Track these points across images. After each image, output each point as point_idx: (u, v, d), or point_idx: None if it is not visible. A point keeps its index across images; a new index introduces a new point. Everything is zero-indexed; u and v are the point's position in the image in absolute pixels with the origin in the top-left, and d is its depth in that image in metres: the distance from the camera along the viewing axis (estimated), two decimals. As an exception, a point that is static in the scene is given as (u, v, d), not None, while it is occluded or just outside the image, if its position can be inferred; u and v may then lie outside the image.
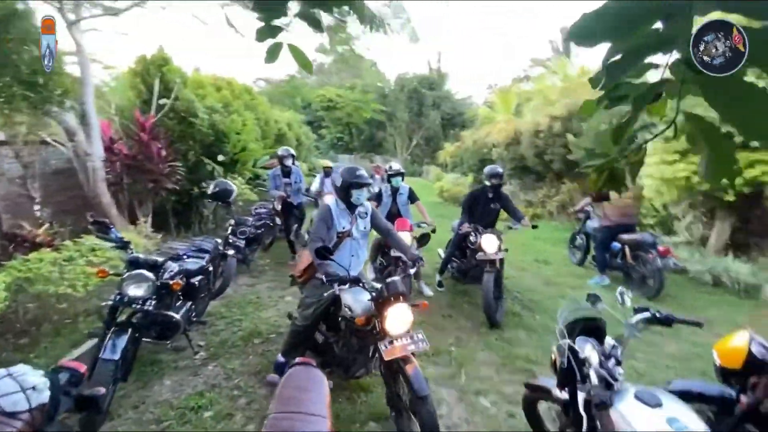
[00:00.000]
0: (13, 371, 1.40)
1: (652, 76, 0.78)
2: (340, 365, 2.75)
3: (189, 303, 3.22)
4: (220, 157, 7.18)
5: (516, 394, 2.83)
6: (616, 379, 1.57)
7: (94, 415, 2.09)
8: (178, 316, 2.90)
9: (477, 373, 3.21)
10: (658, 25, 0.60)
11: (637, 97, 0.68)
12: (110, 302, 2.60)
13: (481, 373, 3.23)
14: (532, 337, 3.89)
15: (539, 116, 11.02)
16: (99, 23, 6.03)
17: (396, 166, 5.12)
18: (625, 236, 5.29)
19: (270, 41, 1.02)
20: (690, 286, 5.62)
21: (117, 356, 2.39)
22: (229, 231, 4.79)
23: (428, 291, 4.95)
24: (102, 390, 1.81)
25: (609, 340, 1.77)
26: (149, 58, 6.76)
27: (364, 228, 2.96)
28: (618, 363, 1.65)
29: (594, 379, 1.58)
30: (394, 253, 4.31)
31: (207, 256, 3.59)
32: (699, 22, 0.59)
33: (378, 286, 2.48)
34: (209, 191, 4.98)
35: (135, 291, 2.62)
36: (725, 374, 1.98)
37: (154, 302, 2.70)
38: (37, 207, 5.31)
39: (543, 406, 2.26)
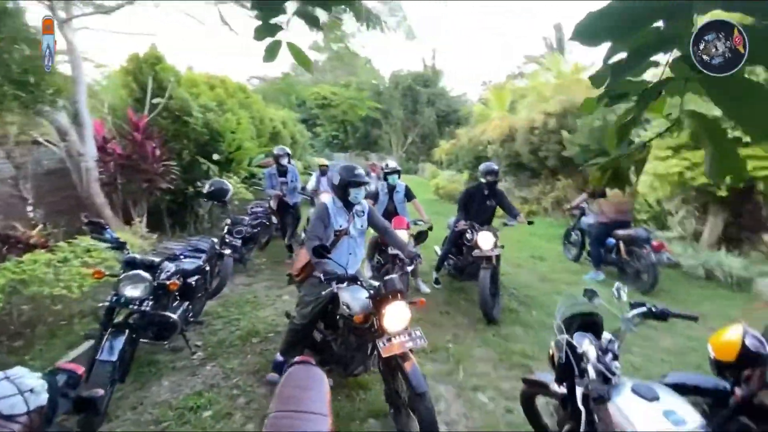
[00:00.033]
0: (10, 374, 1.39)
1: (646, 74, 0.79)
2: (339, 363, 2.75)
3: (186, 303, 3.21)
4: (215, 156, 7.14)
5: (513, 389, 2.86)
6: (613, 374, 1.59)
7: (93, 417, 2.08)
8: (175, 317, 2.89)
9: (474, 369, 3.23)
10: (661, 24, 0.61)
11: (641, 95, 0.68)
12: (107, 303, 2.59)
13: (478, 369, 3.25)
14: (528, 332, 3.92)
15: (534, 113, 11.06)
16: (90, 21, 5.94)
17: (392, 164, 5.12)
18: (620, 232, 5.34)
19: (268, 40, 1.02)
20: (683, 280, 5.69)
21: (114, 357, 2.38)
22: (225, 230, 4.77)
23: (425, 288, 4.96)
24: (100, 391, 1.81)
25: (606, 335, 1.79)
26: (142, 57, 6.69)
27: (361, 226, 2.97)
28: (615, 357, 1.67)
29: (592, 373, 1.59)
30: (391, 250, 4.32)
31: (203, 255, 3.58)
32: (700, 21, 0.60)
33: (376, 284, 2.49)
34: (205, 190, 4.95)
35: (132, 292, 2.61)
36: (720, 367, 2.01)
37: (151, 303, 2.68)
38: (30, 208, 5.25)
39: (540, 401, 2.28)
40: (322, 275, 2.54)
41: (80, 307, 3.63)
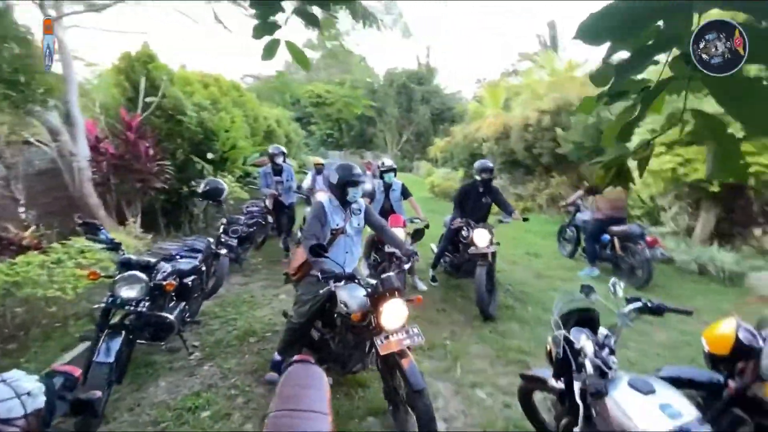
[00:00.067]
0: (6, 377, 1.38)
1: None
2: (337, 361, 2.76)
3: (183, 303, 3.19)
4: (210, 155, 7.09)
5: (510, 385, 2.88)
6: (610, 368, 1.61)
7: (90, 419, 2.07)
8: (172, 317, 2.87)
9: (472, 366, 3.25)
10: (663, 23, 0.61)
11: (645, 94, 0.69)
12: (102, 305, 2.57)
13: (475, 365, 3.27)
14: (524, 329, 3.94)
15: (528, 110, 11.10)
16: (81, 20, 5.86)
17: (388, 162, 5.12)
18: (615, 228, 5.40)
19: (266, 38, 1.01)
20: (677, 275, 5.75)
21: (111, 359, 2.37)
22: (221, 230, 4.75)
23: (422, 286, 4.98)
24: (98, 393, 1.79)
25: (602, 330, 1.81)
26: (134, 55, 6.62)
27: (358, 225, 2.97)
28: (612, 352, 1.69)
29: (589, 368, 1.61)
30: (387, 249, 4.32)
31: (199, 255, 3.56)
32: (700, 20, 0.60)
33: (373, 282, 2.49)
34: (200, 190, 4.92)
35: (128, 293, 2.59)
36: (714, 360, 2.04)
37: (147, 303, 2.67)
38: (22, 209, 5.19)
39: (538, 396, 2.30)
40: (319, 274, 2.54)
41: (75, 308, 3.60)
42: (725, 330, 1.99)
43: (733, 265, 5.50)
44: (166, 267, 3.01)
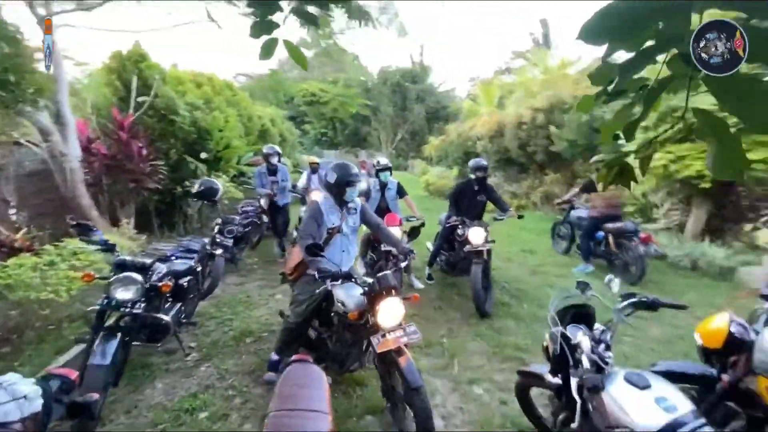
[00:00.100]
0: (2, 380, 1.36)
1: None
2: (335, 360, 2.76)
3: (179, 304, 3.18)
4: (203, 155, 7.04)
5: (507, 381, 2.90)
6: (606, 363, 1.63)
7: (87, 422, 2.05)
8: (168, 318, 2.86)
9: (469, 363, 3.27)
10: (665, 22, 0.61)
11: (649, 93, 0.69)
12: (98, 307, 2.54)
13: (473, 362, 3.29)
14: (520, 325, 3.97)
15: (522, 108, 11.16)
16: (70, 18, 5.77)
17: (384, 161, 5.12)
18: (610, 225, 5.45)
19: (264, 37, 1.01)
20: (669, 271, 5.83)
21: (107, 361, 2.35)
22: (216, 230, 4.72)
23: (418, 284, 5.00)
24: (95, 396, 1.78)
25: (598, 326, 1.83)
26: (125, 54, 6.55)
27: (354, 224, 2.97)
28: (608, 347, 1.71)
29: (586, 363, 1.63)
30: (384, 247, 4.33)
31: (195, 256, 3.54)
32: (700, 20, 0.61)
33: (370, 280, 2.50)
34: (194, 190, 4.89)
35: (123, 294, 2.57)
36: (707, 354, 2.07)
37: (143, 305, 2.65)
38: (12, 211, 5.11)
39: (535, 392, 2.33)
40: (316, 273, 2.54)
41: (69, 311, 3.56)
42: (718, 324, 2.02)
43: (724, 260, 5.59)
44: (162, 268, 2.99)
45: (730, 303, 3.84)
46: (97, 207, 5.62)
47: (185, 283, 3.26)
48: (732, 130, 0.67)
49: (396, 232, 4.20)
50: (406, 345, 2.33)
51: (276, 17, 0.97)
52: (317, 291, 2.70)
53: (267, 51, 1.03)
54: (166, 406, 2.64)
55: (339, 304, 2.59)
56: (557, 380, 1.83)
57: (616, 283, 1.91)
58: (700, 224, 6.52)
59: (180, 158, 6.73)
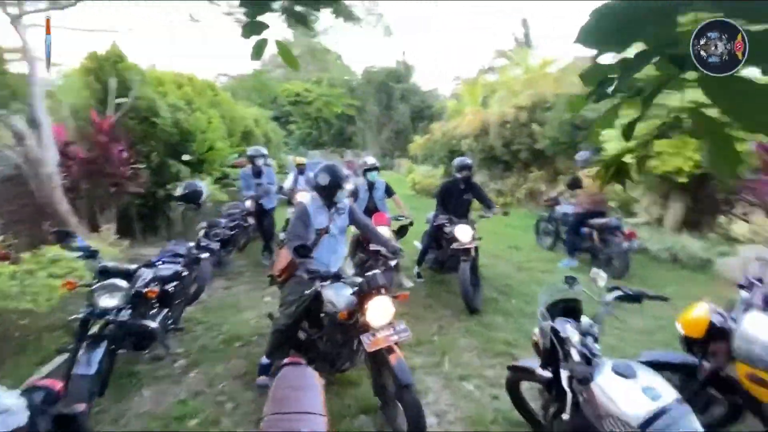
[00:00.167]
0: (-16, 394, 1.32)
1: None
2: (325, 360, 2.75)
3: (165, 310, 3.11)
4: (186, 157, 6.92)
5: (498, 376, 2.94)
6: (594, 355, 1.67)
7: (73, 434, 2.00)
8: (154, 325, 2.79)
9: (460, 360, 3.30)
10: (663, 24, 0.62)
11: (648, 93, 0.71)
12: (81, 315, 2.47)
13: (463, 359, 3.32)
14: (509, 321, 4.03)
15: (505, 107, 11.30)
16: (42, 18, 5.58)
17: (371, 160, 5.13)
18: (594, 221, 5.58)
19: (254, 38, 1.00)
20: (650, 263, 5.99)
21: (92, 371, 2.28)
22: (201, 233, 4.64)
23: (408, 283, 5.01)
24: (81, 407, 1.74)
25: (585, 319, 1.87)
26: (103, 55, 6.38)
27: (342, 224, 2.97)
28: (595, 340, 1.76)
29: (575, 356, 1.67)
30: (373, 247, 4.33)
31: (181, 260, 3.48)
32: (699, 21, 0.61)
33: (359, 280, 2.51)
34: (178, 193, 4.80)
35: (107, 301, 2.50)
36: (689, 343, 2.15)
37: (128, 312, 2.59)
38: (-15, 218, 4.93)
39: (525, 386, 2.37)
40: (305, 274, 2.53)
41: (49, 320, 3.45)
42: (699, 314, 2.09)
43: (701, 251, 5.79)
44: (147, 273, 2.92)
45: (709, 293, 3.98)
46: (76, 212, 5.46)
47: (171, 289, 3.20)
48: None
49: (384, 231, 4.21)
50: (396, 343, 2.34)
51: (266, 17, 0.96)
52: (306, 292, 2.69)
53: (258, 52, 1.03)
54: (155, 414, 2.59)
55: (329, 305, 2.59)
56: (547, 373, 1.87)
57: (602, 277, 1.96)
58: (677, 218, 6.74)
59: (162, 161, 6.59)
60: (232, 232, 5.59)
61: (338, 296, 2.56)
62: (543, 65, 12.86)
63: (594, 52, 0.68)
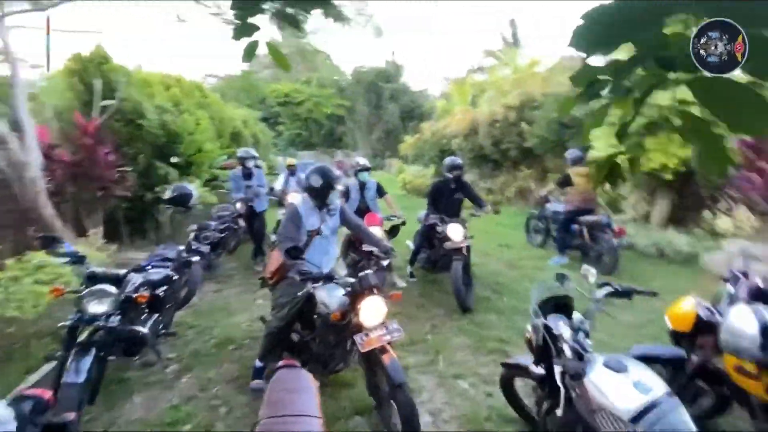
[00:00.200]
0: (-30, 405, 1.29)
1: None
2: (318, 361, 2.74)
3: (156, 315, 3.06)
4: (174, 159, 6.82)
5: (491, 374, 2.96)
6: (586, 351, 1.70)
7: (63, 443, 1.96)
8: (145, 330, 2.76)
9: (453, 358, 3.32)
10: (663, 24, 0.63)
11: (641, 94, 0.72)
12: (69, 322, 2.42)
13: (457, 357, 3.34)
14: (501, 319, 4.06)
15: (494, 106, 11.39)
16: (23, 19, 5.46)
17: (362, 161, 5.13)
18: (585, 218, 5.66)
19: (245, 40, 0.99)
20: (638, 259, 6.10)
21: (82, 378, 2.24)
22: (191, 236, 4.59)
23: (401, 282, 5.02)
24: (71, 416, 1.71)
25: (577, 315, 1.90)
26: (87, 56, 6.26)
27: (334, 225, 2.96)
28: (587, 335, 1.78)
29: (568, 352, 1.69)
30: (365, 248, 4.33)
31: (171, 264, 3.43)
32: (699, 22, 0.62)
33: (351, 281, 2.51)
34: (166, 196, 4.73)
35: (96, 307, 2.46)
36: (677, 337, 2.19)
37: (118, 317, 2.54)
38: (-33, 224, 4.80)
39: (518, 383, 2.39)
40: (297, 276, 2.52)
41: (36, 327, 3.38)
42: (686, 308, 2.14)
43: (687, 246, 5.91)
44: (137, 278, 2.88)
45: (695, 287, 4.06)
46: (61, 217, 5.35)
47: (162, 293, 3.16)
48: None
49: (376, 231, 4.21)
50: (389, 343, 2.34)
51: (255, 18, 0.96)
52: (298, 294, 2.68)
53: (249, 54, 1.02)
54: (147, 420, 2.55)
55: (321, 306, 2.58)
56: (540, 370, 1.89)
57: (593, 274, 1.99)
58: (664, 214, 6.87)
59: (149, 163, 6.50)
60: (222, 235, 5.55)
61: (331, 297, 2.55)
62: (531, 65, 12.99)
63: (584, 54, 0.69)
